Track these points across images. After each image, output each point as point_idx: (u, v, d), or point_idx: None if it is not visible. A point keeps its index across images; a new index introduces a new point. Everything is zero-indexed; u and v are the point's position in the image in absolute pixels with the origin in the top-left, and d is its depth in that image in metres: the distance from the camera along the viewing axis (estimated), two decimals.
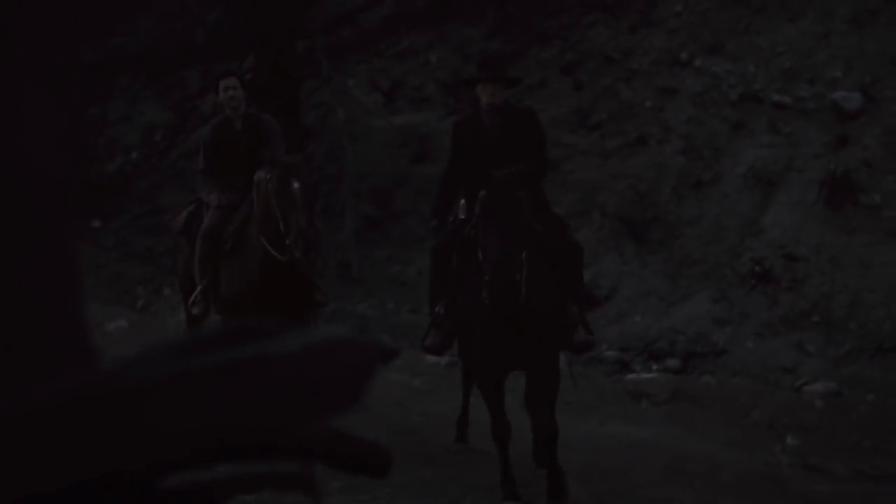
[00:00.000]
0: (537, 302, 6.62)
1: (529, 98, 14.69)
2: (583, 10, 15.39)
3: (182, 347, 0.98)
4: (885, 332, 11.17)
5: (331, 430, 1.02)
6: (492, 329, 6.72)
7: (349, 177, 14.38)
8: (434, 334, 7.27)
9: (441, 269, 7.18)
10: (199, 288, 8.05)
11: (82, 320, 1.01)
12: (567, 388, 7.54)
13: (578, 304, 7.14)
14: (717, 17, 14.40)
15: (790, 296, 11.84)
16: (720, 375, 10.81)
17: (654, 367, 11.49)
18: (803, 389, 10.50)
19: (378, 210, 14.46)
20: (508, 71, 8.21)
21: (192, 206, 8.54)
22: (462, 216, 7.01)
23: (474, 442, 8.02)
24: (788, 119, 13.36)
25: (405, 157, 14.94)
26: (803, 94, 13.52)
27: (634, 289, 12.58)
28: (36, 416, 0.85)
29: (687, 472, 7.89)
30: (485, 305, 6.59)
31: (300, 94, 15.27)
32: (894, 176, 12.44)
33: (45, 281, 1.01)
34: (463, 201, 7.05)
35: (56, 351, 0.95)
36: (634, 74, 14.58)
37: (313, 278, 7.93)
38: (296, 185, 7.27)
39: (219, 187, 8.12)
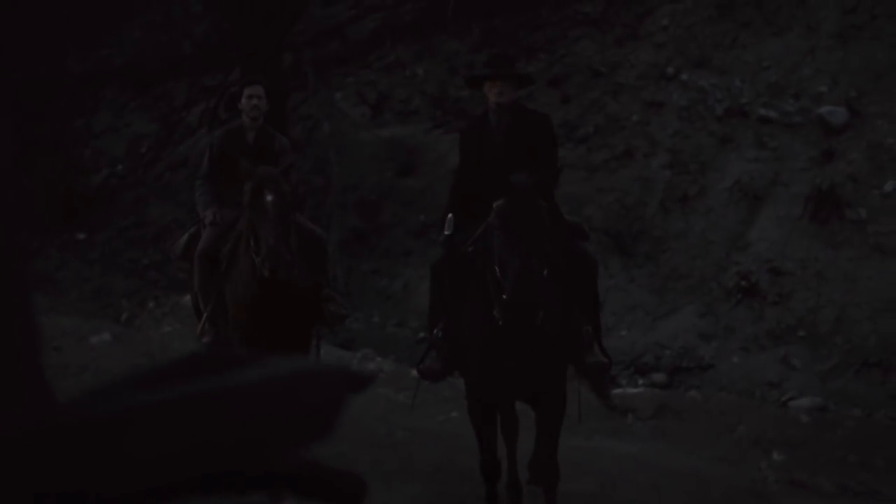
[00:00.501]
0: (547, 321, 6.00)
1: None
2: (569, 24, 15.42)
3: (148, 378, 0.97)
4: (871, 346, 11.18)
5: (303, 459, 1.00)
6: (496, 352, 6.10)
7: (335, 189, 14.35)
8: (432, 358, 6.61)
9: (438, 289, 6.62)
10: (204, 315, 7.53)
11: (36, 355, 0.99)
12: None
13: (593, 323, 6.46)
14: (703, 31, 14.43)
15: (776, 310, 11.84)
16: (706, 390, 10.80)
17: (640, 381, 11.47)
18: (789, 404, 10.49)
19: (364, 223, 14.43)
20: (519, 68, 7.40)
21: (193, 228, 7.94)
22: (447, 231, 6.45)
23: (460, 457, 7.98)
24: (774, 133, 13.38)
25: (391, 169, 14.92)
26: (789, 108, 13.55)
27: (620, 303, 12.58)
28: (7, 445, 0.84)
29: (673, 487, 7.86)
30: (493, 326, 6.00)
31: (287, 107, 15.25)
32: (880, 190, 12.48)
33: None
34: (450, 216, 6.46)
35: (12, 385, 0.93)
36: (621, 88, 14.60)
37: (324, 291, 7.36)
38: (269, 197, 6.80)
39: (216, 201, 7.61)
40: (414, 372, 10.35)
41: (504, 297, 5.80)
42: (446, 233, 6.46)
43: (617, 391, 10.84)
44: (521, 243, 5.79)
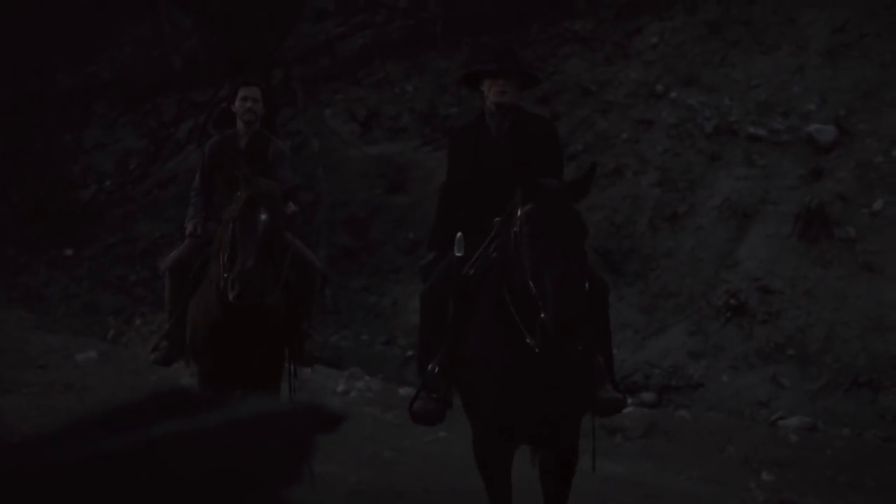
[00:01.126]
0: (589, 343, 5.16)
1: None
2: (559, 42, 15.43)
3: (104, 421, 0.93)
4: (860, 365, 11.15)
5: None
6: (523, 383, 5.17)
7: (324, 206, 14.31)
8: (425, 399, 5.67)
9: (434, 318, 5.58)
10: (163, 330, 7.03)
11: None
12: None
13: (606, 353, 5.63)
14: (692, 49, 14.45)
15: (765, 329, 11.81)
16: (695, 409, 10.76)
17: (629, 400, 11.42)
18: (779, 424, 10.45)
19: (353, 240, 14.39)
20: (524, 66, 6.30)
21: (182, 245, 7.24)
22: (458, 253, 5.51)
23: (447, 478, 7.92)
24: (763, 151, 13.39)
25: (381, 186, 14.89)
26: (778, 126, 13.56)
27: (610, 321, 12.53)
28: None
29: None
30: (519, 354, 5.10)
31: (276, 124, 15.23)
32: (868, 209, 12.47)
33: None
34: (460, 234, 5.54)
35: None
36: (611, 106, 14.60)
37: (303, 326, 6.72)
38: (263, 215, 6.07)
39: (203, 212, 7.00)
40: (401, 391, 10.31)
41: (543, 315, 4.82)
42: (457, 254, 5.53)
43: None
44: (561, 251, 4.91)
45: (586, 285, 4.94)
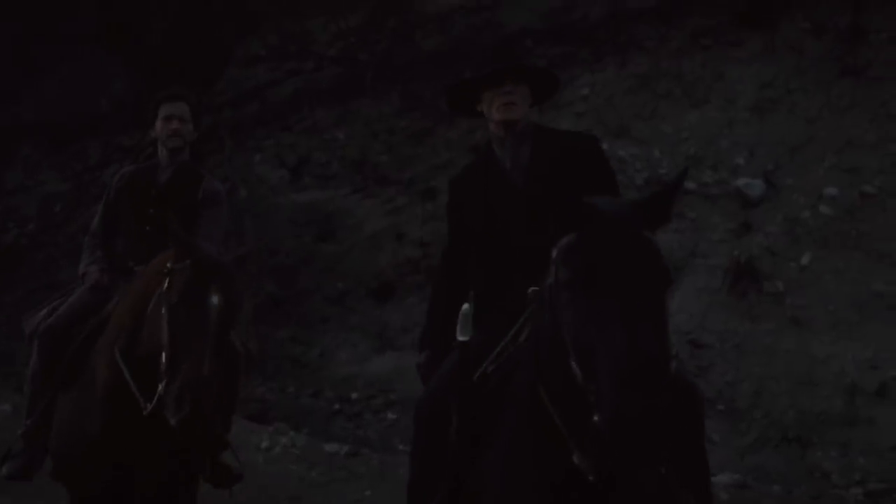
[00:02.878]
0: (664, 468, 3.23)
1: (437, 177, 14.60)
2: None
3: None
4: (789, 421, 11.15)
5: None
6: None
7: (251, 255, 14.09)
8: None
9: (430, 441, 3.85)
10: (20, 431, 5.10)
11: None
12: None
13: (699, 491, 3.63)
14: (622, 101, 14.51)
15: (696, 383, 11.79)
16: None
17: None
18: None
19: (280, 289, 14.16)
20: (533, 68, 4.44)
21: (57, 300, 5.47)
22: (463, 337, 3.76)
23: None
24: (693, 204, 13.44)
25: (310, 234, 14.70)
26: (707, 179, 13.64)
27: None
28: None
29: None
30: (561, 480, 3.25)
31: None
32: (797, 263, 12.55)
33: None
34: (467, 306, 3.78)
35: None
36: None
37: (224, 437, 4.91)
38: (215, 299, 4.37)
39: (105, 260, 5.30)
40: (327, 447, 10.09)
41: (597, 417, 2.94)
42: (460, 338, 3.77)
43: None
44: (625, 308, 2.98)
45: (671, 366, 3.01)
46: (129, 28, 16.37)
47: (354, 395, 12.29)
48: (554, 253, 3.24)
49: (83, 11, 17.43)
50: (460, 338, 3.77)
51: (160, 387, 4.36)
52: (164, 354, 4.37)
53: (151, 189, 5.35)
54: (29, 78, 18.14)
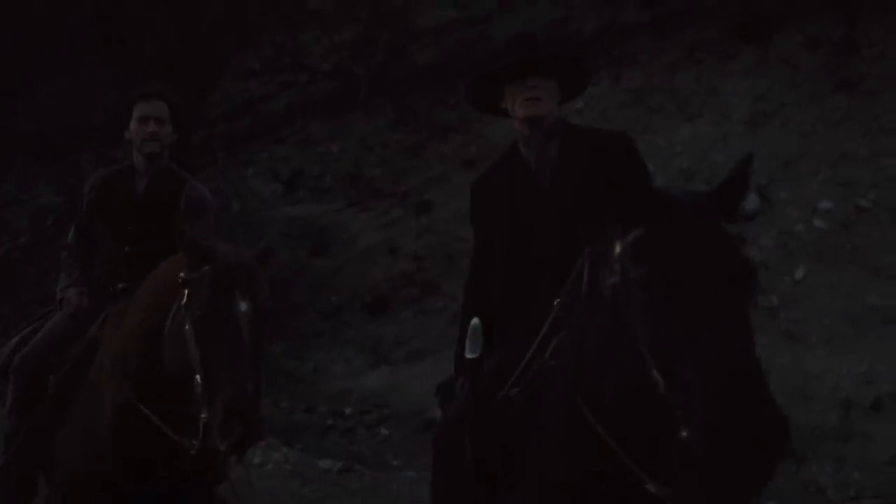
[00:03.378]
0: None
1: (431, 190, 14.60)
2: None
3: None
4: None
5: None
6: None
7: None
8: None
9: (450, 470, 3.49)
10: None
11: None
12: None
13: None
14: (616, 115, 14.52)
15: None
16: None
17: None
18: None
19: (274, 303, 14.12)
20: (560, 57, 3.98)
21: (26, 328, 4.93)
22: (471, 354, 3.39)
23: None
24: None
25: (303, 248, 14.67)
26: None
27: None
28: None
29: None
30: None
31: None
32: (791, 277, 12.54)
33: None
34: (475, 321, 3.41)
35: None
36: None
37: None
38: (243, 306, 3.91)
39: (83, 281, 4.82)
40: (321, 463, 10.04)
41: (685, 433, 2.57)
42: (469, 355, 3.41)
43: None
44: (713, 313, 2.61)
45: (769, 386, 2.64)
46: (124, 40, 16.35)
47: (348, 411, 12.25)
48: (618, 248, 2.84)
49: (77, 23, 17.42)
50: (469, 355, 3.40)
51: (203, 416, 3.80)
52: (197, 377, 3.83)
53: (128, 200, 4.88)
54: (22, 90, 18.12)
